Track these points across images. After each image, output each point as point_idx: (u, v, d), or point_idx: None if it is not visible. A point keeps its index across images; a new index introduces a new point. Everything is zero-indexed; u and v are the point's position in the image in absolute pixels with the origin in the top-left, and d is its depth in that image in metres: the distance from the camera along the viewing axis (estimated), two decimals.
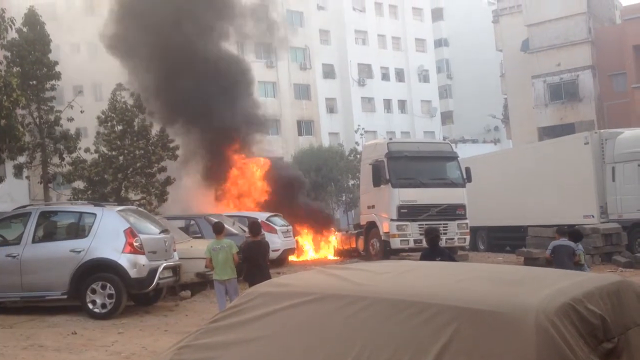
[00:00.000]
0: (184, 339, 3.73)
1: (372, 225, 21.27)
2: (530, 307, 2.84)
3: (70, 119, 23.30)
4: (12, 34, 19.11)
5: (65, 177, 24.49)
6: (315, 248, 27.16)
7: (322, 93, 53.57)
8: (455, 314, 2.92)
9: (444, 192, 20.37)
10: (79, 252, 11.34)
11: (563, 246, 10.34)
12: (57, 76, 22.76)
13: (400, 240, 19.82)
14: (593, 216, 20.69)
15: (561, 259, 10.01)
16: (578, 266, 10.08)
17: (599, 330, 2.93)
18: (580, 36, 41.18)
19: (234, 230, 16.50)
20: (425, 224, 18.21)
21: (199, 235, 16.50)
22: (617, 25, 43.80)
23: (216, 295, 10.84)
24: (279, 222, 21.89)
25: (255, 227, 10.52)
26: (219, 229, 10.96)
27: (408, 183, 20.25)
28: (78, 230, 11.99)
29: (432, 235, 9.02)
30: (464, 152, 32.45)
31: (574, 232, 11.04)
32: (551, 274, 3.75)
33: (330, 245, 26.47)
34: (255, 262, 9.86)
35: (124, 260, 11.30)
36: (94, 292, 11.27)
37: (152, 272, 11.54)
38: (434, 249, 8.83)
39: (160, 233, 12.48)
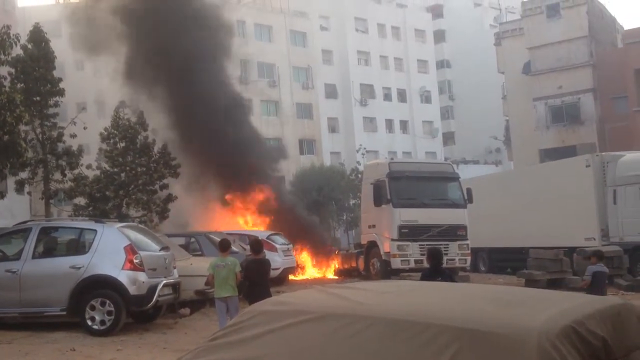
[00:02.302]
0: (182, 356, 3.71)
1: (372, 245, 21.21)
2: (532, 329, 2.82)
3: (73, 136, 23.34)
4: (17, 50, 19.22)
5: (67, 193, 24.47)
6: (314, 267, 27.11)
7: (324, 112, 53.76)
8: (456, 335, 2.91)
9: (445, 212, 20.34)
10: (79, 268, 11.31)
11: (601, 272, 9.97)
12: (61, 93, 22.83)
13: (401, 260, 19.76)
14: (594, 239, 20.64)
15: (600, 285, 9.62)
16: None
17: (600, 353, 2.92)
18: (581, 59, 41.39)
19: (235, 248, 16.44)
20: (426, 244, 18.16)
21: (199, 252, 16.46)
22: (618, 48, 44.02)
23: (217, 313, 10.79)
24: (279, 240, 21.85)
25: (256, 245, 10.49)
26: (225, 247, 10.90)
27: (409, 203, 20.23)
28: (78, 246, 11.96)
29: (436, 257, 8.94)
30: (465, 173, 32.46)
31: (597, 253, 10.76)
32: (553, 296, 3.73)
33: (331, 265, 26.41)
34: (256, 280, 9.83)
35: (124, 277, 11.26)
36: (93, 308, 11.21)
37: (152, 289, 11.49)
38: (436, 270, 8.77)
39: (160, 250, 12.45)
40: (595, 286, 9.63)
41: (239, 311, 9.54)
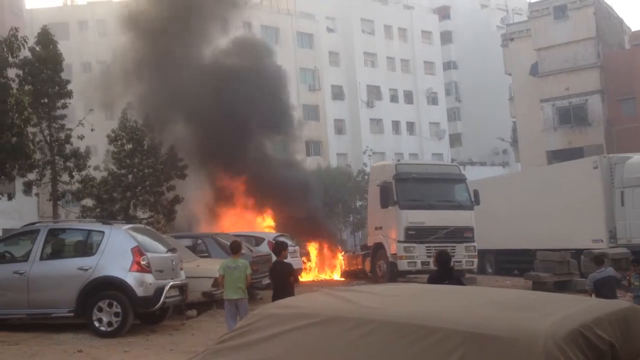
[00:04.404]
0: (190, 358, 3.72)
1: (379, 247, 21.18)
2: (539, 333, 2.82)
3: (81, 137, 23.38)
4: (25, 53, 19.28)
5: (74, 194, 24.52)
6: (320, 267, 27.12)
7: (330, 114, 53.76)
8: (462, 339, 2.90)
9: (451, 214, 20.30)
10: (87, 270, 11.33)
11: (605, 278, 9.56)
12: (69, 94, 22.88)
13: (408, 262, 19.72)
14: (602, 241, 20.57)
15: (604, 293, 9.15)
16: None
17: (607, 357, 2.91)
18: (589, 60, 41.26)
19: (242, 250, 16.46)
20: (433, 247, 18.14)
21: (206, 254, 16.47)
22: (626, 50, 43.88)
23: (225, 315, 10.80)
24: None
25: (276, 247, 10.52)
26: (236, 248, 10.90)
27: (416, 205, 20.18)
28: (86, 248, 11.98)
29: (444, 260, 8.87)
30: (472, 174, 32.41)
31: (596, 259, 10.30)
32: (560, 299, 3.72)
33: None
34: (279, 283, 9.86)
35: (131, 278, 11.28)
36: (100, 310, 11.22)
37: (159, 290, 11.51)
38: (444, 273, 8.69)
39: (167, 252, 12.47)
40: (602, 294, 9.22)
41: (247, 314, 9.56)
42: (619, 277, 9.78)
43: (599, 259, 10.28)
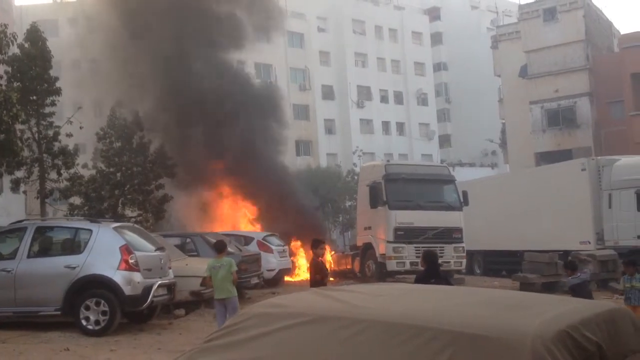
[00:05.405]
0: (177, 358, 3.71)
1: (368, 247, 21.22)
2: (527, 333, 2.83)
3: (69, 135, 23.29)
4: (14, 49, 19.17)
5: (62, 192, 24.40)
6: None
7: (320, 114, 53.77)
8: (451, 339, 2.91)
9: (440, 215, 20.36)
10: (74, 268, 11.28)
11: (581, 284, 9.49)
12: (58, 92, 22.76)
13: (397, 263, 19.77)
14: (589, 242, 20.69)
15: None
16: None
17: (594, 358, 2.93)
18: (578, 63, 41.47)
19: (230, 249, 16.43)
20: (422, 247, 18.19)
21: (195, 253, 16.43)
22: (615, 53, 44.15)
23: (216, 314, 10.78)
24: (275, 241, 21.86)
25: (313, 245, 10.49)
26: (220, 248, 10.91)
27: (405, 205, 20.23)
28: (73, 246, 11.92)
29: (431, 260, 8.88)
30: (461, 175, 32.50)
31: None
32: (548, 300, 3.74)
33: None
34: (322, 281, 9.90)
35: (119, 277, 11.23)
36: (87, 308, 11.18)
37: (147, 289, 11.47)
38: (430, 272, 8.70)
39: (155, 250, 12.43)
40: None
41: (237, 312, 9.54)
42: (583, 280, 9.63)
43: (572, 265, 10.30)
